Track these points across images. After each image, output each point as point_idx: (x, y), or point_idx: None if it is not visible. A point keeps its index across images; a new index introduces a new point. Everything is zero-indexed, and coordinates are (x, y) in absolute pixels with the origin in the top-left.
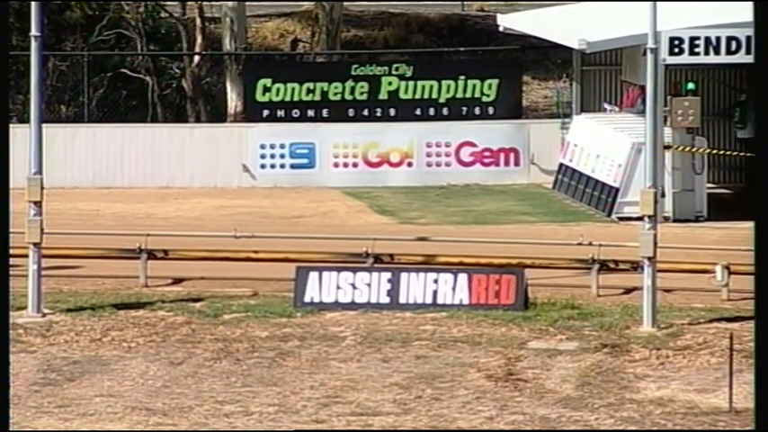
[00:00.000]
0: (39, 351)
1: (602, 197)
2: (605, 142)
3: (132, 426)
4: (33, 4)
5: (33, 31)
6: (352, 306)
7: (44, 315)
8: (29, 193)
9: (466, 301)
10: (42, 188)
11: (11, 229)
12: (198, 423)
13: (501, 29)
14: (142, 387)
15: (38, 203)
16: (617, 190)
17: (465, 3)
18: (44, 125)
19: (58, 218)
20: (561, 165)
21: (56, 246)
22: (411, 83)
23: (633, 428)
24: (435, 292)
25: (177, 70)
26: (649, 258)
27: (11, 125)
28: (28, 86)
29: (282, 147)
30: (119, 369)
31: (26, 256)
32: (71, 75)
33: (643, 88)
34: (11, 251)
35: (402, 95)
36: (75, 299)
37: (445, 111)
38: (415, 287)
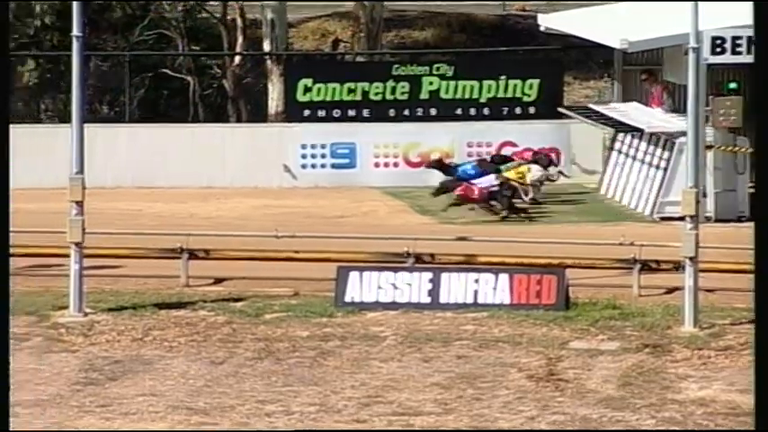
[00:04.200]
0: (80, 350)
1: (643, 197)
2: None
3: (174, 425)
4: (75, 4)
5: (75, 31)
6: (393, 306)
7: (86, 314)
8: (70, 193)
9: (507, 301)
10: (84, 188)
11: (53, 229)
12: (239, 422)
13: (542, 28)
14: (183, 386)
15: (79, 203)
16: (659, 190)
17: (506, 3)
18: (85, 125)
19: (99, 217)
20: (604, 164)
21: (97, 245)
22: (452, 83)
23: (675, 429)
24: (476, 292)
25: (218, 70)
26: (691, 258)
27: (52, 125)
28: (69, 86)
29: (323, 147)
30: (160, 368)
31: (68, 255)
32: (112, 75)
33: (667, 85)
34: (53, 251)
35: (443, 95)
36: (117, 298)
37: (486, 110)
38: (456, 287)
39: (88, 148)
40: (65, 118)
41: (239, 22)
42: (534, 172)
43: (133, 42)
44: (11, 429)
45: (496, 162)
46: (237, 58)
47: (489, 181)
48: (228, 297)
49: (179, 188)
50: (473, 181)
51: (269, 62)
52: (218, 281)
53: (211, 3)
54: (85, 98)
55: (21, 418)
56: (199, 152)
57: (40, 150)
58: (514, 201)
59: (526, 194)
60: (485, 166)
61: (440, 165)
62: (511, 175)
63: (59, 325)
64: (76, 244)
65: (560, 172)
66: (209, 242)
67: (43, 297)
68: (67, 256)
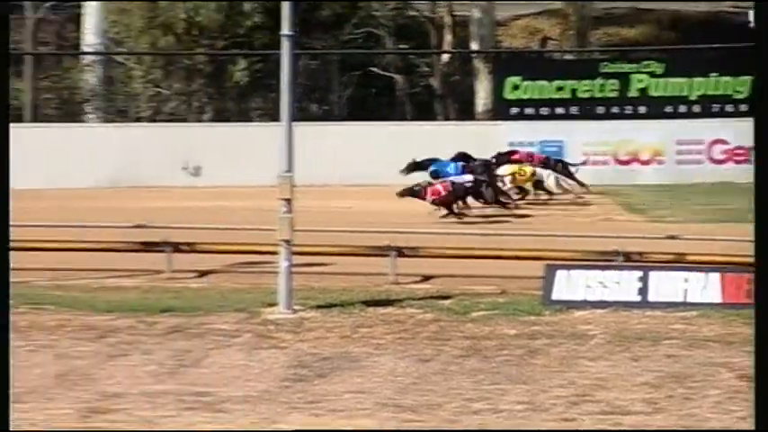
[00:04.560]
0: (289, 347)
1: None
2: None
3: (382, 422)
4: (285, 3)
5: (284, 31)
6: (601, 304)
7: (295, 311)
8: (280, 191)
9: (717, 300)
10: (293, 186)
11: (263, 227)
12: (447, 420)
13: (754, 24)
14: (391, 384)
15: (288, 201)
16: None
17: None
18: (295, 123)
19: (307, 215)
20: None
21: (306, 243)
22: (662, 80)
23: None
24: (686, 291)
25: (426, 68)
26: None
27: (262, 123)
28: (279, 85)
29: (531, 144)
30: (368, 366)
31: (277, 253)
32: (321, 73)
33: None
34: (262, 248)
35: (652, 93)
36: (325, 295)
37: (696, 108)
38: (665, 285)
39: (297, 145)
40: (274, 116)
41: (447, 20)
42: (540, 173)
43: (342, 41)
44: (11, 429)
45: (499, 162)
46: (445, 57)
47: (463, 179)
48: (436, 294)
49: (387, 186)
50: (450, 179)
51: (477, 60)
52: (426, 278)
53: (420, 1)
54: (295, 97)
55: (231, 414)
56: (406, 150)
57: (249, 148)
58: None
59: (519, 192)
60: (474, 167)
61: (416, 165)
62: (513, 170)
63: (269, 321)
64: (286, 241)
65: (575, 179)
66: (417, 240)
67: (252, 294)
68: (277, 253)
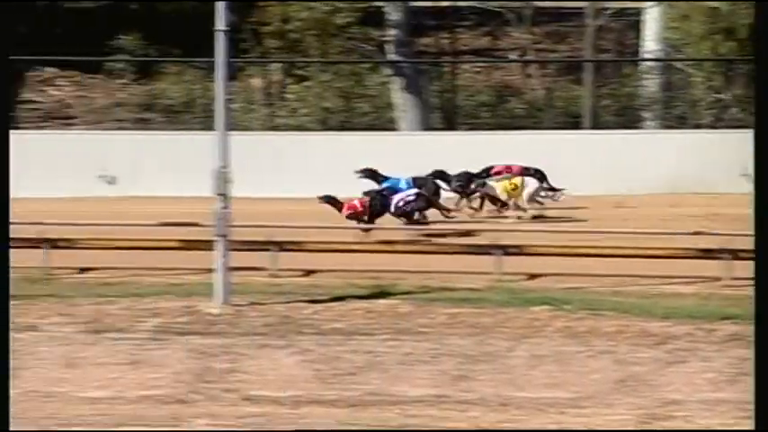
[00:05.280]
0: None
1: None
2: None
3: None
4: None
5: None
6: None
7: None
8: None
9: None
10: None
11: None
12: None
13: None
14: None
15: None
16: None
17: None
18: None
19: None
20: None
21: None
22: None
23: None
24: None
25: None
26: None
27: None
28: None
29: None
30: None
31: None
32: None
33: None
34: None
35: None
36: None
37: None
38: None
39: None
40: None
41: None
42: (527, 181)
43: None
44: (11, 429)
45: (482, 176)
46: None
47: (401, 196)
48: None
49: None
50: (397, 196)
51: None
52: None
53: None
54: None
55: None
56: None
57: None
58: (423, 213)
59: (513, 205)
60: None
61: (372, 174)
62: (505, 186)
63: None
64: None
65: (553, 189)
66: None
67: None
68: None
